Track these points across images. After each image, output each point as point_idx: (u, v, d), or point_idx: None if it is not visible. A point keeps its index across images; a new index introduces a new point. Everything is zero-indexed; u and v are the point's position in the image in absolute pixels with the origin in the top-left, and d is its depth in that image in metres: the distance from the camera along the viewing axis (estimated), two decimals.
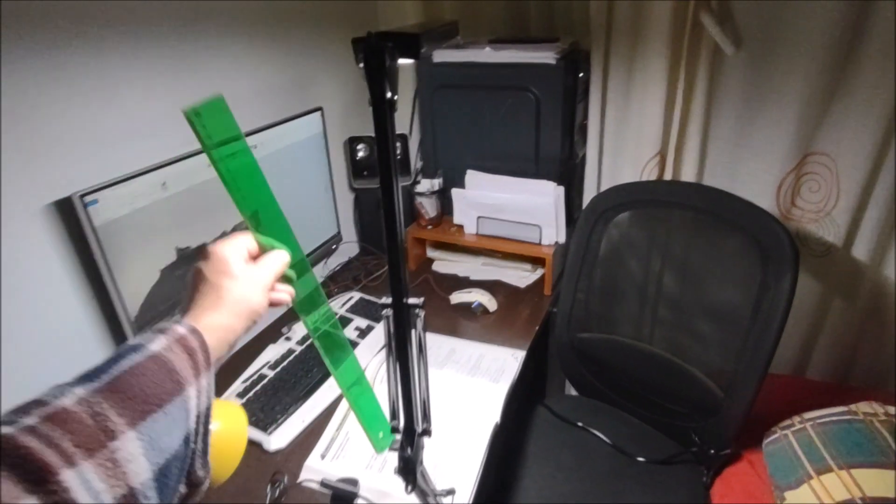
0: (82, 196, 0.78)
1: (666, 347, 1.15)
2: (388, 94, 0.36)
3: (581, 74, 1.24)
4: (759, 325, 0.99)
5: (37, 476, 0.30)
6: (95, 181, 0.81)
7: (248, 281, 0.47)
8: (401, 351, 0.47)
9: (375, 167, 1.47)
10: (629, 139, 1.30)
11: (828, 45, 1.07)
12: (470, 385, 1.02)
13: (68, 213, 0.82)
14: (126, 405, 0.35)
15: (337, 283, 1.39)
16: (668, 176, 1.30)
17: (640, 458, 1.13)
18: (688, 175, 1.29)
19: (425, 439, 0.53)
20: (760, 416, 1.07)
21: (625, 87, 1.26)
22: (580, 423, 1.21)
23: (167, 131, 0.97)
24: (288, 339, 1.17)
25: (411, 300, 0.47)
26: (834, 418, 1.03)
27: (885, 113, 1.07)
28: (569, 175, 1.26)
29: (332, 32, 1.36)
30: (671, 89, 1.21)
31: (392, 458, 0.86)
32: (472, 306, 1.26)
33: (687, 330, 1.13)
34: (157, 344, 0.39)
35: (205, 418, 0.40)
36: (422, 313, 0.51)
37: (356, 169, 1.45)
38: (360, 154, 1.43)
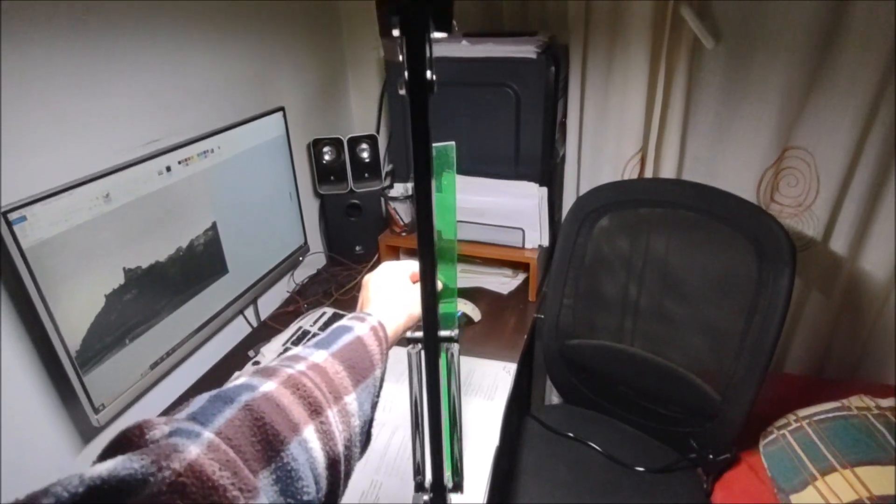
0: (6, 213, 0.65)
1: (659, 352, 1.11)
2: (429, 74, 0.27)
3: (562, 69, 1.18)
4: (757, 326, 0.97)
5: (315, 408, 0.39)
6: (22, 195, 0.68)
7: (414, 295, 0.58)
8: (433, 393, 0.39)
9: (342, 171, 1.36)
10: (609, 137, 1.26)
11: (806, 39, 1.07)
12: (464, 405, 0.95)
13: None
14: (349, 372, 0.44)
15: (306, 297, 1.28)
16: (648, 174, 1.27)
17: (639, 468, 1.08)
18: (668, 172, 1.26)
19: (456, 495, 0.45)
20: (750, 415, 1.04)
21: (604, 83, 1.22)
22: (571, 434, 1.16)
23: (110, 134, 0.84)
24: (256, 363, 1.05)
25: (443, 333, 0.39)
26: (829, 415, 1.02)
27: (862, 107, 1.08)
28: (550, 175, 1.21)
29: (291, 27, 1.25)
30: (651, 84, 1.18)
31: (387, 484, 0.77)
32: (456, 317, 1.18)
33: (680, 332, 1.09)
34: (361, 329, 0.48)
35: (378, 394, 0.48)
36: (457, 349, 0.43)
37: (322, 174, 1.34)
38: (327, 158, 1.32)
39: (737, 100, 1.18)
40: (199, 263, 0.97)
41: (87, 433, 0.85)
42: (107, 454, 0.30)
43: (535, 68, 1.10)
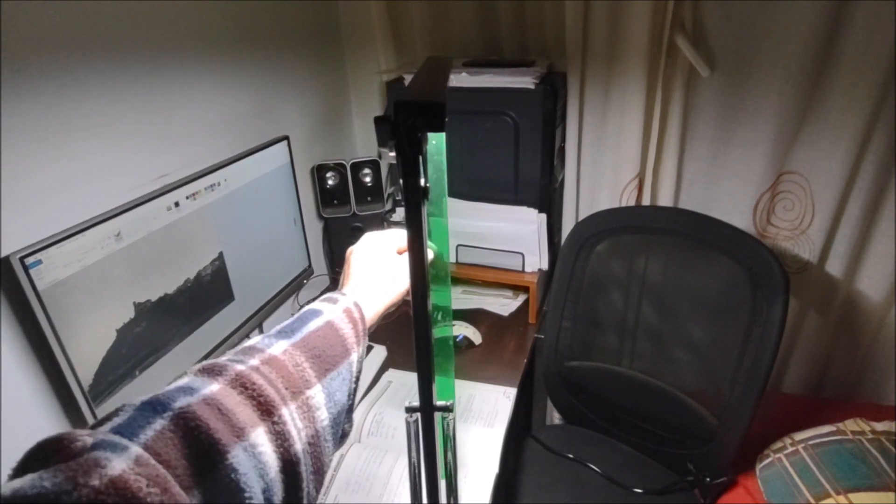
0: (23, 258, 0.68)
1: (656, 375, 1.13)
2: (423, 182, 0.30)
3: (559, 98, 1.21)
4: (752, 352, 0.98)
5: (266, 408, 0.36)
6: (37, 237, 0.70)
7: (400, 268, 0.55)
8: (429, 462, 0.41)
9: (345, 195, 1.39)
10: (607, 163, 1.28)
11: (800, 66, 1.09)
12: (464, 432, 0.97)
13: (7, 277, 0.71)
14: (314, 362, 0.41)
15: None
16: (646, 199, 1.29)
17: (637, 490, 1.10)
18: (665, 197, 1.28)
19: None
20: (746, 436, 1.06)
21: (601, 110, 1.24)
22: (571, 455, 1.18)
23: (118, 174, 0.87)
24: None
25: (439, 403, 0.41)
26: (824, 439, 1.03)
27: (857, 132, 1.09)
28: (549, 200, 1.23)
29: (293, 56, 1.28)
30: (648, 111, 1.20)
31: None
32: (457, 340, 1.20)
33: (676, 357, 1.11)
34: (331, 312, 0.46)
35: (356, 379, 0.45)
36: (452, 417, 0.45)
37: (325, 197, 1.37)
38: (330, 182, 1.35)
39: (732, 126, 1.21)
40: (206, 293, 1.00)
41: None
42: (19, 471, 0.28)
43: (534, 98, 1.12)
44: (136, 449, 0.29)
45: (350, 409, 0.45)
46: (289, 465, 0.36)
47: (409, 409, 0.42)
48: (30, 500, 0.24)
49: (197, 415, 0.33)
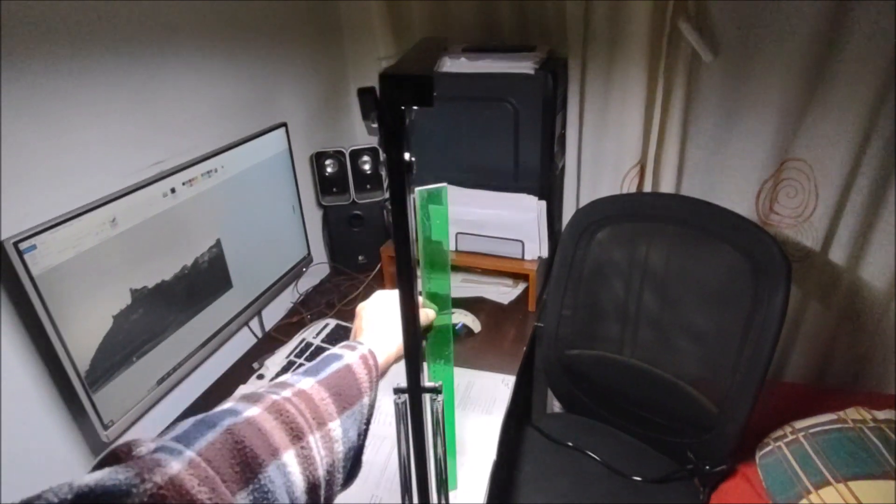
0: (17, 242, 0.67)
1: (657, 364, 1.13)
2: (407, 156, 0.29)
3: (560, 84, 1.19)
4: (753, 340, 0.98)
5: (296, 434, 0.41)
6: (32, 223, 0.70)
7: None
8: (418, 442, 0.41)
9: (345, 183, 1.37)
10: (608, 149, 1.27)
11: (804, 51, 1.07)
12: (462, 419, 0.97)
13: (2, 262, 0.71)
14: (334, 399, 0.45)
15: (310, 308, 1.31)
16: (647, 186, 1.28)
17: (637, 478, 1.10)
18: (667, 184, 1.27)
19: None
20: (748, 425, 1.06)
21: (603, 96, 1.23)
22: (571, 444, 1.18)
23: (114, 161, 0.86)
24: (261, 376, 1.08)
25: (428, 384, 0.41)
26: (825, 427, 1.03)
27: (861, 119, 1.08)
28: (549, 187, 1.22)
29: (292, 42, 1.26)
30: (650, 97, 1.19)
31: (386, 500, 0.79)
32: (456, 328, 1.20)
33: (677, 346, 1.10)
34: (350, 357, 0.50)
35: (367, 422, 0.49)
36: (440, 399, 0.45)
37: (324, 185, 1.36)
38: (329, 170, 1.34)
39: (735, 112, 1.19)
40: (204, 280, 0.99)
41: (97, 448, 0.88)
42: (97, 468, 0.32)
43: (533, 84, 1.11)
44: (190, 454, 0.34)
45: (360, 451, 0.48)
46: (312, 488, 0.40)
47: (398, 391, 0.42)
48: (107, 489, 0.29)
49: (242, 432, 0.38)
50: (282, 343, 1.17)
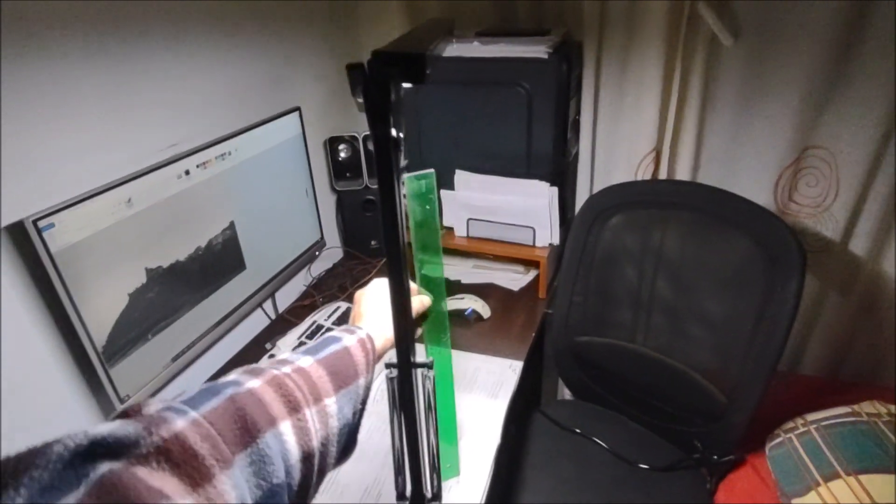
0: (36, 220, 0.70)
1: (666, 352, 1.12)
2: (394, 133, 0.29)
3: (574, 68, 1.17)
4: (764, 330, 0.96)
5: (293, 406, 0.43)
6: (51, 202, 0.72)
7: None
8: (409, 417, 0.41)
9: (358, 167, 1.38)
10: (623, 135, 1.25)
11: (828, 36, 1.04)
12: (467, 403, 0.97)
13: (21, 239, 0.73)
14: (331, 378, 0.48)
15: (322, 291, 1.33)
16: (663, 173, 1.26)
17: (643, 466, 1.10)
18: (683, 171, 1.25)
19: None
20: (759, 416, 1.04)
21: (619, 81, 1.21)
22: (578, 430, 1.18)
23: (131, 141, 0.88)
24: (273, 356, 1.10)
25: (420, 359, 0.42)
26: (838, 420, 1.01)
27: (886, 106, 1.04)
28: (562, 174, 1.21)
29: (307, 27, 1.27)
30: (667, 82, 1.17)
31: (391, 480, 0.81)
32: (466, 313, 1.20)
33: (687, 334, 1.09)
34: (348, 340, 0.53)
35: (363, 403, 0.51)
36: (431, 374, 0.45)
37: (338, 170, 1.37)
38: (343, 155, 1.35)
39: (755, 98, 1.16)
40: (218, 261, 1.02)
41: None
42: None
43: (547, 68, 1.10)
44: (194, 414, 0.36)
45: (356, 429, 0.51)
46: (306, 457, 0.43)
47: (389, 365, 0.43)
48: (118, 438, 0.31)
49: (243, 401, 0.40)
50: (294, 325, 1.19)
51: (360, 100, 0.28)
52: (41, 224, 0.70)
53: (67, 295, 0.75)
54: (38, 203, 0.72)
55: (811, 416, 1.05)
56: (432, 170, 0.57)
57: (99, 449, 0.30)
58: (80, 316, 0.77)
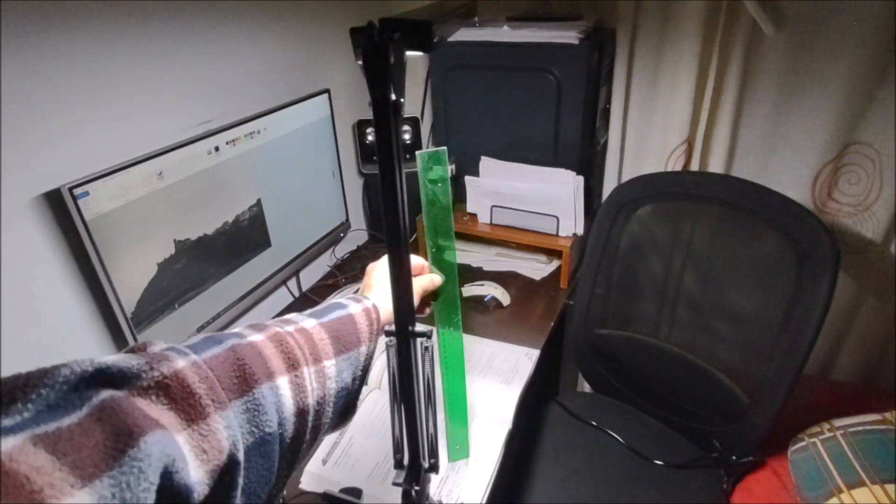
0: (72, 188, 0.73)
1: (688, 348, 1.09)
2: (393, 97, 0.29)
3: (606, 55, 1.15)
4: (792, 330, 0.93)
5: (292, 363, 0.45)
6: (87, 172, 0.76)
7: (413, 287, 0.59)
8: (406, 386, 0.42)
9: None
10: (655, 125, 1.22)
11: (877, 27, 0.98)
12: (481, 387, 0.98)
13: (58, 206, 0.77)
14: (332, 341, 0.49)
15: (345, 272, 1.35)
16: (695, 165, 1.22)
17: (658, 462, 1.08)
18: (716, 165, 1.21)
19: (432, 474, 0.48)
20: (784, 420, 1.01)
21: (652, 69, 1.18)
22: (594, 423, 1.17)
23: (164, 117, 0.91)
24: None
25: (419, 328, 0.42)
26: (867, 427, 0.97)
27: None
28: (589, 163, 1.19)
29: (340, 10, 1.28)
30: (702, 72, 1.13)
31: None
32: (485, 300, 1.21)
33: (711, 331, 1.07)
34: (354, 308, 0.54)
35: (364, 370, 0.52)
36: (430, 344, 0.46)
37: (365, 153, 1.39)
38: (371, 138, 1.36)
39: (796, 90, 1.11)
40: (244, 237, 1.04)
41: None
42: None
43: (578, 54, 1.08)
44: (195, 357, 0.38)
45: (355, 396, 0.52)
46: (300, 413, 0.44)
47: (388, 333, 0.44)
48: (122, 369, 0.33)
49: (243, 352, 0.42)
50: (316, 303, 1.21)
51: (359, 62, 0.28)
52: (76, 192, 0.74)
53: (100, 261, 0.78)
54: (75, 172, 0.75)
55: (838, 422, 1.01)
56: (444, 147, 0.57)
57: (103, 377, 0.32)
58: (110, 282, 0.80)
